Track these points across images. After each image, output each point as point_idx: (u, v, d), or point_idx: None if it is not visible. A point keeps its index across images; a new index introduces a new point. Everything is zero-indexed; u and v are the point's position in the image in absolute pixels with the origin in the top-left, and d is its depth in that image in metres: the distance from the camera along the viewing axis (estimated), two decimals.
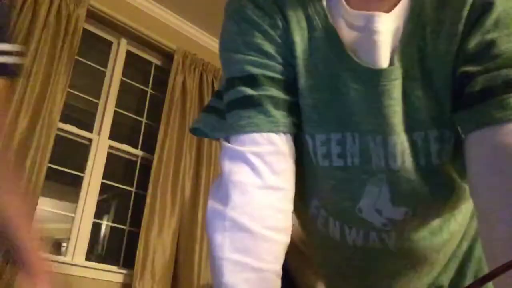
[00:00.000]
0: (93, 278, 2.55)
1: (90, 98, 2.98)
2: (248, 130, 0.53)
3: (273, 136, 0.53)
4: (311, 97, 0.55)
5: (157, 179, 2.88)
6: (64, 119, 2.71)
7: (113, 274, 2.66)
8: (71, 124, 2.78)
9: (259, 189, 0.51)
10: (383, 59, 0.53)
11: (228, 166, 0.53)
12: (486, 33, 0.50)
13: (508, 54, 0.47)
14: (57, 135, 2.58)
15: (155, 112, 3.15)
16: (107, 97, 3.00)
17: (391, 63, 0.53)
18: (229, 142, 0.55)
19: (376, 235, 0.60)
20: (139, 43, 3.22)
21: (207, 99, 3.23)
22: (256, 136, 0.53)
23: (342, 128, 0.55)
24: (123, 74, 3.14)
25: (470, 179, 0.50)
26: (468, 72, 0.50)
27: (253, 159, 0.52)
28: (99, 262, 2.68)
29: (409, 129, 0.54)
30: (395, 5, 0.53)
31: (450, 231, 0.62)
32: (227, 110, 0.56)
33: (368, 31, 0.53)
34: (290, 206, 0.54)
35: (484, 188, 0.48)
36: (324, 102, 0.55)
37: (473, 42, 0.50)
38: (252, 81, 0.54)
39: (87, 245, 2.64)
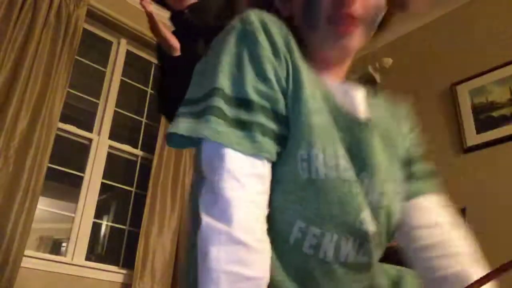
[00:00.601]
0: (93, 278, 2.55)
1: (90, 98, 2.98)
2: (238, 149, 0.56)
3: (256, 160, 0.58)
4: (315, 120, 0.61)
5: (157, 179, 2.88)
6: (64, 119, 2.71)
7: (113, 274, 2.66)
8: (71, 124, 2.78)
9: (248, 203, 0.55)
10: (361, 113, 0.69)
11: (221, 182, 0.55)
12: (418, 146, 0.83)
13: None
14: (57, 135, 2.58)
15: (155, 112, 3.15)
16: (107, 97, 3.00)
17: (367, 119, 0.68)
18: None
19: (368, 246, 0.65)
20: (139, 43, 3.22)
21: None
22: (242, 156, 0.57)
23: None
24: (123, 74, 3.14)
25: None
26: (409, 172, 0.79)
27: (240, 176, 0.56)
28: (99, 262, 2.68)
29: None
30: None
31: None
32: (212, 113, 0.57)
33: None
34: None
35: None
36: (328, 126, 0.63)
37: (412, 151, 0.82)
38: (247, 105, 0.58)
39: (87, 245, 2.64)
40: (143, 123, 3.22)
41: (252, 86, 0.59)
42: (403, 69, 3.25)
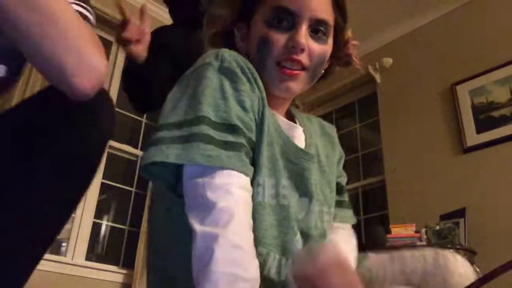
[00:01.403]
0: (93, 278, 2.55)
1: None
2: (227, 167, 0.62)
3: (242, 176, 0.64)
4: (268, 151, 0.71)
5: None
6: None
7: (113, 274, 2.66)
8: None
9: (240, 212, 0.60)
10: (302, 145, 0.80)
11: (212, 195, 0.60)
12: (343, 177, 0.91)
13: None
14: None
15: (155, 112, 3.15)
16: None
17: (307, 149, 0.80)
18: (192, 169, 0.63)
19: None
20: None
21: None
22: (232, 172, 0.63)
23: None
24: None
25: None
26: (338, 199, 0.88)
27: (234, 190, 0.61)
28: (99, 262, 2.68)
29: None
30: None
31: None
32: (201, 140, 0.62)
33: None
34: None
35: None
36: (276, 156, 0.73)
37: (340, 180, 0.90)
38: (233, 129, 0.65)
39: (87, 245, 2.64)
40: (143, 123, 3.22)
41: (235, 114, 0.66)
42: (403, 69, 3.25)
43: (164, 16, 3.23)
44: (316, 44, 0.75)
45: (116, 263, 2.77)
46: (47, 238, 0.66)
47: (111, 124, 0.66)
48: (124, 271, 2.70)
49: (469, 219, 2.45)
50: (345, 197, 0.91)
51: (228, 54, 0.70)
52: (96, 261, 2.71)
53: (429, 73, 3.07)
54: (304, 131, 0.83)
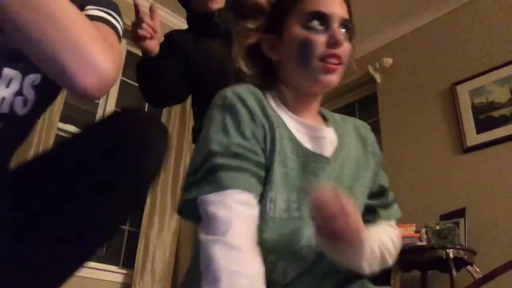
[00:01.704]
0: (93, 278, 2.55)
1: None
2: (229, 187, 0.72)
3: (245, 193, 0.73)
4: (281, 169, 0.79)
5: (157, 179, 2.87)
6: (64, 119, 2.71)
7: (113, 274, 2.67)
8: (71, 124, 2.78)
9: (238, 222, 0.69)
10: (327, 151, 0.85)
11: (212, 209, 0.70)
12: (382, 178, 0.93)
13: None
14: (57, 135, 2.58)
15: (155, 112, 3.15)
16: (107, 97, 3.00)
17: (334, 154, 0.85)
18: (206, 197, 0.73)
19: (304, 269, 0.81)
20: None
21: None
22: (235, 191, 0.72)
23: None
24: (123, 74, 3.14)
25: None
26: (370, 203, 0.91)
27: (233, 204, 0.71)
28: (99, 262, 2.68)
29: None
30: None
31: None
32: (212, 172, 0.74)
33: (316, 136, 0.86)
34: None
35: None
36: (290, 172, 0.81)
37: (377, 183, 0.92)
38: (235, 156, 0.75)
39: None
40: None
41: (236, 143, 0.76)
42: (403, 69, 3.25)
43: (164, 17, 3.23)
44: (345, 41, 0.85)
45: (116, 263, 2.77)
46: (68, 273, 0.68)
47: (159, 162, 0.68)
48: (124, 271, 2.70)
49: (469, 219, 2.45)
50: (388, 197, 0.94)
51: (231, 91, 0.81)
52: (96, 261, 2.71)
53: (429, 73, 3.06)
54: (335, 130, 0.89)
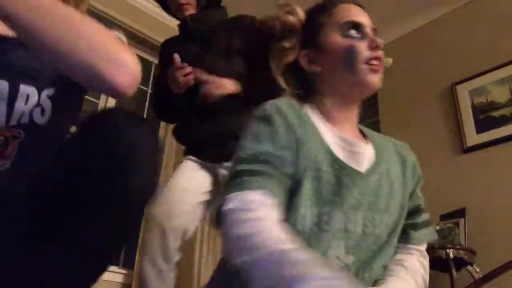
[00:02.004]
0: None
1: (90, 98, 2.98)
2: (253, 189, 0.75)
3: (268, 197, 0.75)
4: (313, 184, 0.81)
5: (157, 179, 2.87)
6: None
7: (113, 274, 2.66)
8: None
9: (264, 213, 0.72)
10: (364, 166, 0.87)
11: (234, 210, 0.73)
12: (419, 199, 0.97)
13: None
14: None
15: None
16: (107, 97, 3.00)
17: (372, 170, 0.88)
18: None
19: None
20: (139, 43, 3.23)
21: None
22: (257, 192, 0.75)
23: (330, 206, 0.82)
24: None
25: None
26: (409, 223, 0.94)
27: (254, 205, 0.73)
28: None
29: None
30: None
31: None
32: (237, 177, 0.77)
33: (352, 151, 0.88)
34: None
35: None
36: (323, 187, 0.82)
37: (412, 204, 0.94)
38: (261, 162, 0.78)
39: None
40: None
41: (264, 150, 0.79)
42: (403, 69, 3.25)
43: (165, 17, 3.23)
44: None
45: (116, 263, 2.77)
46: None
47: (152, 171, 0.66)
48: (124, 271, 2.70)
49: (469, 219, 2.45)
50: (421, 218, 0.95)
51: (269, 104, 0.85)
52: None
53: (429, 73, 3.07)
54: (374, 147, 0.92)
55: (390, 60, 3.33)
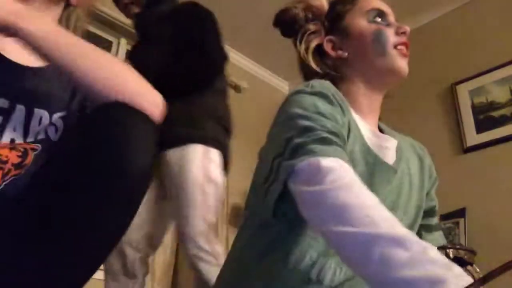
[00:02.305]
0: (93, 278, 2.54)
1: None
2: (327, 155, 0.68)
3: (340, 160, 0.67)
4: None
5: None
6: None
7: None
8: None
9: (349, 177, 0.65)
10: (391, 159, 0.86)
11: (322, 170, 0.65)
12: (434, 201, 0.95)
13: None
14: None
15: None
16: None
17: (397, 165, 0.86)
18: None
19: None
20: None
21: None
22: (326, 158, 0.67)
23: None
24: None
25: None
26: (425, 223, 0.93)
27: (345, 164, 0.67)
28: None
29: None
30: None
31: None
32: (313, 143, 0.70)
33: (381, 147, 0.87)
34: None
35: None
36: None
37: (427, 205, 0.93)
38: (330, 133, 0.72)
39: None
40: None
41: (330, 124, 0.73)
42: None
43: None
44: None
45: None
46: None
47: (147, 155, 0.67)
48: None
49: (469, 219, 2.45)
50: (434, 221, 0.94)
51: (318, 83, 0.81)
52: None
53: (429, 73, 3.06)
54: (394, 145, 0.91)
55: None
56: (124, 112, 0.66)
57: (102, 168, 0.61)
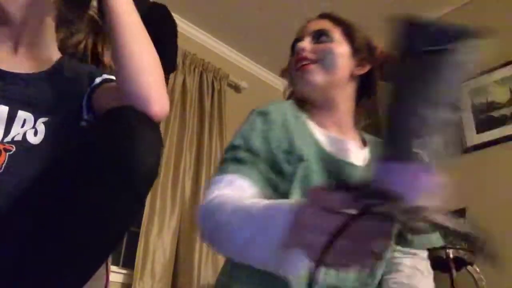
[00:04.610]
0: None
1: None
2: (229, 173, 0.82)
3: (238, 178, 0.81)
4: (303, 182, 0.85)
5: (157, 179, 2.87)
6: None
7: (113, 274, 2.66)
8: None
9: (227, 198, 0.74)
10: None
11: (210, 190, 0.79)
12: None
13: None
14: None
15: None
16: None
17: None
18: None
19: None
20: None
21: (207, 99, 3.23)
22: (231, 175, 0.81)
23: None
24: None
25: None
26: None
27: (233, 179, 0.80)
28: None
29: None
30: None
31: None
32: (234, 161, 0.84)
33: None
34: None
35: None
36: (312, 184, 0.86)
37: None
38: (248, 150, 0.85)
39: None
40: None
41: (255, 142, 0.85)
42: None
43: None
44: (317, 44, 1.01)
45: (116, 263, 2.77)
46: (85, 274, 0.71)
47: (153, 160, 0.70)
48: (124, 271, 2.70)
49: (469, 219, 2.45)
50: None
51: (273, 103, 0.95)
52: None
53: None
54: (371, 151, 0.99)
55: None
56: (139, 119, 0.71)
57: (116, 165, 0.65)
